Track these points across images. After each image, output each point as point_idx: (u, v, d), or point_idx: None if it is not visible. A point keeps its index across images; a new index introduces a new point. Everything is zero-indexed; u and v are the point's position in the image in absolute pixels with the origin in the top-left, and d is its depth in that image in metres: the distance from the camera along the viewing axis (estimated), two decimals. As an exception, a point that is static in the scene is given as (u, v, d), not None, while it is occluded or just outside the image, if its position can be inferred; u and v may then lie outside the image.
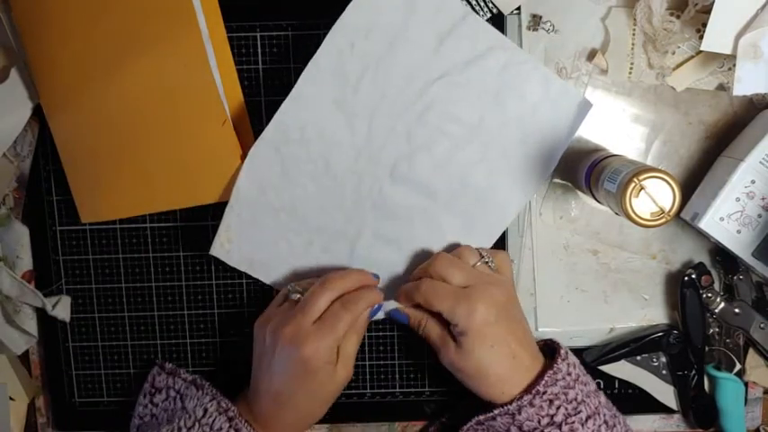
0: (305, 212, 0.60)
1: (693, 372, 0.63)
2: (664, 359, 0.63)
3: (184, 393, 0.59)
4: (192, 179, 0.60)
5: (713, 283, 0.62)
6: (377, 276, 0.59)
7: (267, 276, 0.62)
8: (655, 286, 0.64)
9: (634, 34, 0.60)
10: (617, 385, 0.65)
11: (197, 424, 0.54)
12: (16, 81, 0.61)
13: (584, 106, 0.59)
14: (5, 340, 0.65)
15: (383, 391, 0.65)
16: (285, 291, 0.58)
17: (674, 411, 0.65)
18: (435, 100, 0.58)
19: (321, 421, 0.64)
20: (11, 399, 0.65)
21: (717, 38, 0.55)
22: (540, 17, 0.60)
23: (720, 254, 0.62)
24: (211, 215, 0.63)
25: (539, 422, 0.52)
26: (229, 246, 0.60)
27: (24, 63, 0.61)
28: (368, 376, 0.65)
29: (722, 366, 0.63)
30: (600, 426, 0.53)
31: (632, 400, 0.65)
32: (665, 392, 0.64)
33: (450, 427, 0.63)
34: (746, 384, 0.64)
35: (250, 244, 0.61)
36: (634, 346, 0.62)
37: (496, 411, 0.53)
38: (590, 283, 0.64)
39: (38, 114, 0.62)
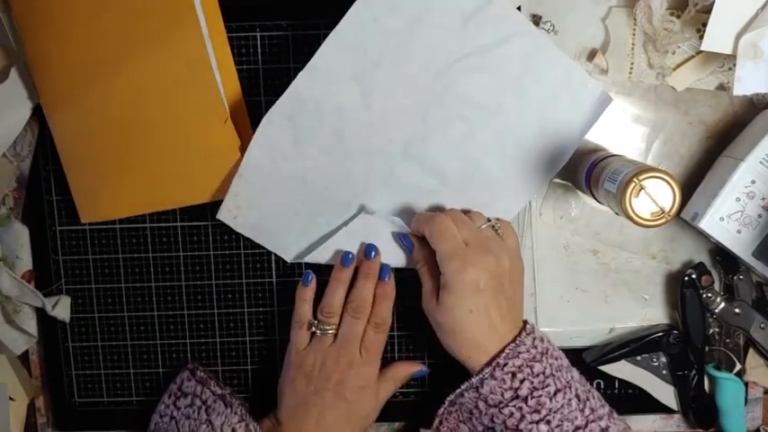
0: (314, 184, 0.60)
1: (693, 372, 0.63)
2: (664, 359, 0.63)
3: (211, 407, 0.58)
4: (192, 178, 0.60)
5: (713, 283, 0.62)
6: (374, 249, 0.59)
7: (271, 244, 0.62)
8: (655, 286, 0.64)
9: (634, 34, 0.60)
10: (617, 385, 0.65)
11: None
12: (16, 81, 0.61)
13: (604, 100, 0.58)
14: (5, 340, 0.65)
15: (383, 391, 0.65)
16: (305, 328, 0.60)
17: (674, 411, 0.65)
18: (455, 82, 0.58)
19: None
20: (11, 399, 0.65)
21: (717, 38, 0.55)
22: (540, 17, 0.60)
23: (720, 254, 0.62)
24: (211, 215, 0.63)
25: (502, 395, 0.52)
26: (237, 212, 0.60)
27: (24, 63, 0.61)
28: (368, 376, 0.65)
29: (722, 366, 0.63)
30: (570, 399, 0.52)
31: (632, 400, 0.65)
32: (665, 392, 0.64)
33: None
34: (746, 384, 0.64)
35: (257, 211, 0.60)
36: (634, 346, 0.62)
37: (463, 387, 0.54)
38: (590, 283, 0.64)
39: (38, 114, 0.62)
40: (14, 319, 0.64)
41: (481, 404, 0.53)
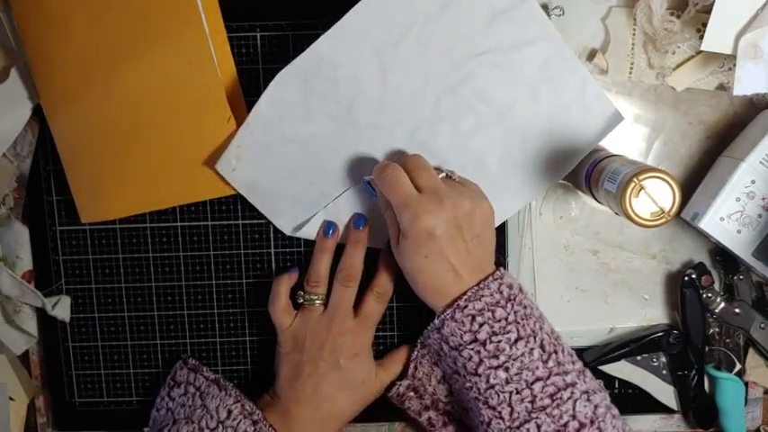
0: (315, 151, 0.59)
1: (693, 372, 0.63)
2: (664, 359, 0.63)
3: (205, 392, 0.59)
4: (193, 175, 0.60)
5: (713, 283, 0.62)
6: (363, 220, 0.60)
7: (262, 205, 0.61)
8: (655, 286, 0.64)
9: (634, 34, 0.60)
10: (617, 385, 0.65)
11: (220, 426, 0.55)
12: (16, 81, 0.61)
13: (615, 119, 0.58)
14: (5, 340, 0.65)
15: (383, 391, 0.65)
16: (282, 307, 0.60)
17: (674, 411, 0.65)
18: (472, 75, 0.58)
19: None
20: (11, 399, 0.65)
21: (717, 38, 0.55)
22: (547, 6, 0.60)
23: (720, 254, 0.62)
24: (211, 215, 0.63)
25: (461, 338, 0.51)
26: (236, 164, 0.59)
27: (24, 63, 0.61)
28: (368, 376, 0.65)
29: (722, 366, 0.63)
30: (533, 349, 0.51)
31: (632, 400, 0.65)
32: (665, 392, 0.64)
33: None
34: (746, 384, 0.64)
35: (255, 168, 0.60)
36: (634, 346, 0.62)
37: (428, 328, 0.54)
38: (590, 283, 0.64)
39: (38, 114, 0.62)
40: (14, 319, 0.64)
41: (444, 346, 0.53)
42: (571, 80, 0.58)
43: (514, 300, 0.52)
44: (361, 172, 0.60)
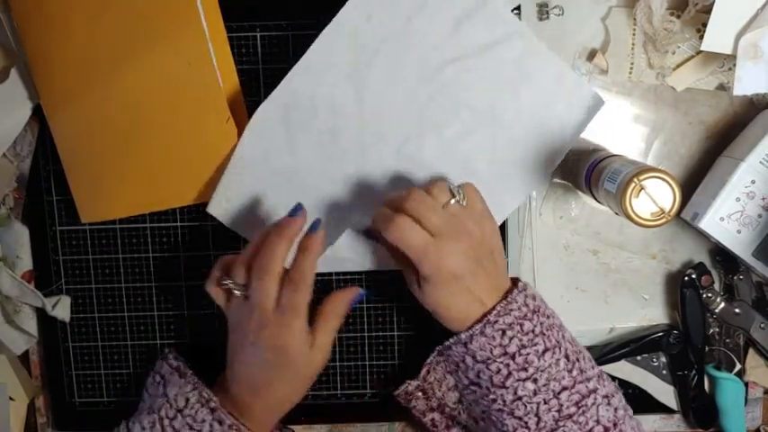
0: (304, 181, 0.59)
1: (693, 372, 0.63)
2: (664, 359, 0.63)
3: (168, 379, 0.57)
4: (193, 177, 0.60)
5: (713, 283, 0.62)
6: (319, 223, 0.55)
7: None
8: (655, 286, 0.64)
9: (634, 34, 0.60)
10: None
11: (179, 415, 0.54)
12: (16, 81, 0.61)
13: (597, 103, 0.58)
14: (5, 340, 0.65)
15: (383, 391, 0.65)
16: (221, 286, 0.55)
17: (675, 411, 0.65)
18: (449, 82, 0.58)
19: (321, 421, 0.64)
20: (11, 399, 0.65)
21: (717, 38, 0.55)
22: (547, 4, 0.60)
23: (720, 254, 0.62)
24: (211, 215, 0.63)
25: (491, 352, 0.51)
26: (228, 205, 0.60)
27: (24, 63, 0.61)
28: (367, 377, 0.65)
29: (722, 366, 0.63)
30: (559, 359, 0.52)
31: (632, 400, 0.64)
32: (665, 392, 0.64)
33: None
34: (746, 384, 0.64)
35: (247, 205, 0.60)
36: (634, 346, 0.62)
37: (451, 341, 0.53)
38: (590, 283, 0.64)
39: (38, 114, 0.62)
40: (14, 319, 0.64)
41: (468, 359, 0.53)
42: (547, 72, 0.58)
43: (539, 311, 0.53)
44: (354, 195, 0.60)
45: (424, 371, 0.58)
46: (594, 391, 0.52)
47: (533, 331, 0.52)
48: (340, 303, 0.56)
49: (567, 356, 0.52)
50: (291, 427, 0.61)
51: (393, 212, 0.52)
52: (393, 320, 0.64)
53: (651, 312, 0.64)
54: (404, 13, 0.57)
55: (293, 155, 0.59)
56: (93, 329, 0.65)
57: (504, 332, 0.51)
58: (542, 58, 0.57)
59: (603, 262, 0.64)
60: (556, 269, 0.64)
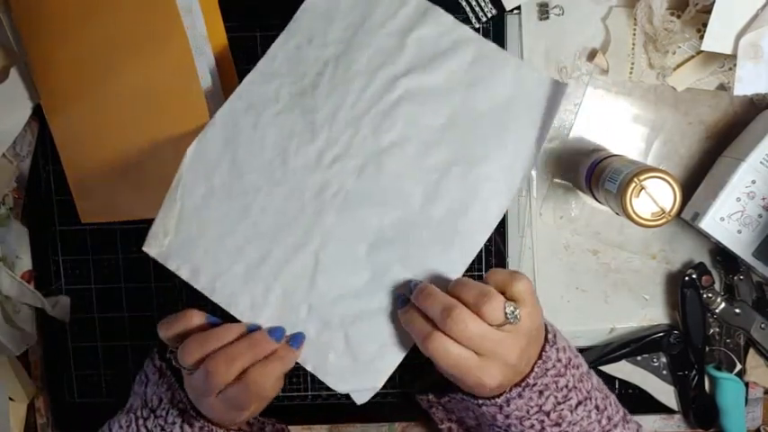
0: (258, 218, 0.54)
1: (694, 372, 0.63)
2: (664, 359, 0.63)
3: (150, 379, 0.56)
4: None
5: (713, 283, 0.62)
6: (302, 339, 0.52)
7: (212, 292, 0.54)
8: (655, 286, 0.64)
9: (634, 34, 0.60)
10: (617, 385, 0.65)
11: (152, 415, 0.53)
12: (16, 81, 0.61)
13: (559, 88, 0.54)
14: (5, 340, 0.65)
15: (383, 391, 0.65)
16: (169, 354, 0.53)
17: (675, 411, 0.65)
18: (402, 97, 0.55)
19: (321, 421, 0.64)
20: (11, 399, 0.65)
21: (717, 38, 0.55)
22: (547, 4, 0.60)
23: (721, 254, 0.62)
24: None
25: (527, 412, 0.51)
26: (165, 240, 0.53)
27: (24, 63, 0.61)
28: (368, 376, 0.65)
29: (723, 366, 0.63)
30: (590, 411, 0.51)
31: (632, 401, 0.65)
32: (665, 393, 0.64)
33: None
34: (747, 384, 0.64)
35: (192, 243, 0.54)
36: (634, 346, 0.62)
37: (482, 402, 0.50)
38: (590, 283, 0.64)
39: (38, 114, 0.62)
40: (14, 319, 0.64)
41: (500, 417, 0.51)
42: (503, 71, 0.55)
43: (570, 363, 0.52)
44: (319, 226, 0.54)
45: (430, 408, 0.57)
46: None
47: (567, 386, 0.51)
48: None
49: (597, 407, 0.52)
50: (286, 426, 0.60)
51: (432, 329, 0.47)
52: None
53: (651, 312, 0.64)
54: (346, 33, 0.55)
55: (242, 188, 0.54)
56: (93, 329, 0.65)
57: (541, 393, 0.50)
58: (497, 60, 0.55)
59: (603, 262, 0.64)
60: (556, 269, 0.64)
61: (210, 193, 0.54)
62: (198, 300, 0.65)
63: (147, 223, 0.63)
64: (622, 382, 0.64)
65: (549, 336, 0.51)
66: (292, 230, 0.54)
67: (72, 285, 0.64)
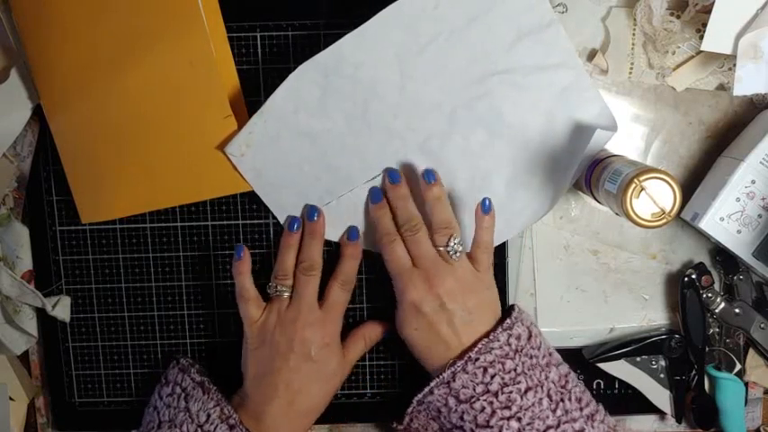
0: (326, 147, 0.59)
1: (693, 372, 0.63)
2: (663, 362, 0.63)
3: (190, 394, 0.58)
4: (193, 175, 0.60)
5: (713, 283, 0.62)
6: (317, 211, 0.60)
7: (266, 195, 0.61)
8: (655, 286, 0.64)
9: (634, 34, 0.60)
10: (617, 385, 0.65)
11: (199, 429, 0.55)
12: (16, 81, 0.61)
13: (608, 135, 0.56)
14: (5, 340, 0.65)
15: (383, 391, 0.65)
16: (252, 300, 0.59)
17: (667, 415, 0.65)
18: (490, 92, 0.58)
19: (321, 421, 0.64)
20: (11, 399, 0.65)
21: (717, 38, 0.55)
22: (550, 2, 0.59)
23: (720, 254, 0.62)
24: (211, 215, 0.63)
25: (474, 389, 0.52)
26: (246, 150, 0.59)
27: (24, 63, 0.61)
28: (368, 376, 0.65)
29: (722, 366, 0.63)
30: (541, 399, 0.52)
31: (632, 401, 0.65)
32: (660, 396, 0.64)
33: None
34: (747, 384, 0.64)
35: (264, 157, 0.59)
36: (636, 345, 0.62)
37: (432, 384, 0.54)
38: (590, 283, 0.64)
39: (38, 114, 0.62)
40: (14, 319, 0.64)
41: (451, 400, 0.53)
42: (588, 109, 0.58)
43: (521, 351, 0.54)
44: (369, 174, 0.60)
45: (406, 419, 0.58)
46: (581, 431, 0.52)
47: (515, 370, 0.53)
48: (374, 331, 0.62)
49: (549, 396, 0.53)
50: None
51: (395, 237, 0.58)
52: (394, 320, 0.64)
53: (651, 313, 0.64)
54: (469, 13, 0.56)
55: (322, 119, 0.59)
56: (93, 329, 0.65)
57: (485, 369, 0.52)
58: (587, 95, 0.58)
59: (603, 262, 0.64)
60: (556, 269, 0.64)
61: (293, 120, 0.59)
62: (198, 300, 0.65)
63: (148, 223, 0.63)
64: (622, 382, 0.64)
65: (507, 321, 0.55)
66: (345, 169, 0.60)
67: (72, 285, 0.64)
